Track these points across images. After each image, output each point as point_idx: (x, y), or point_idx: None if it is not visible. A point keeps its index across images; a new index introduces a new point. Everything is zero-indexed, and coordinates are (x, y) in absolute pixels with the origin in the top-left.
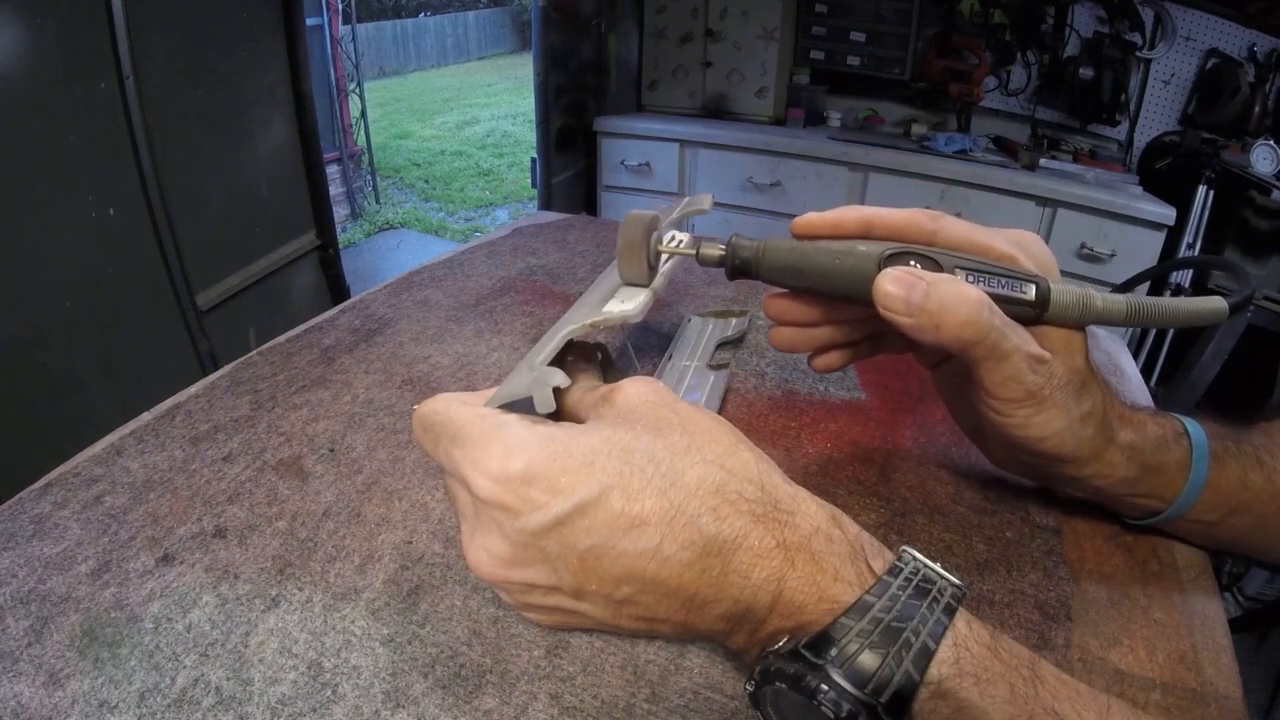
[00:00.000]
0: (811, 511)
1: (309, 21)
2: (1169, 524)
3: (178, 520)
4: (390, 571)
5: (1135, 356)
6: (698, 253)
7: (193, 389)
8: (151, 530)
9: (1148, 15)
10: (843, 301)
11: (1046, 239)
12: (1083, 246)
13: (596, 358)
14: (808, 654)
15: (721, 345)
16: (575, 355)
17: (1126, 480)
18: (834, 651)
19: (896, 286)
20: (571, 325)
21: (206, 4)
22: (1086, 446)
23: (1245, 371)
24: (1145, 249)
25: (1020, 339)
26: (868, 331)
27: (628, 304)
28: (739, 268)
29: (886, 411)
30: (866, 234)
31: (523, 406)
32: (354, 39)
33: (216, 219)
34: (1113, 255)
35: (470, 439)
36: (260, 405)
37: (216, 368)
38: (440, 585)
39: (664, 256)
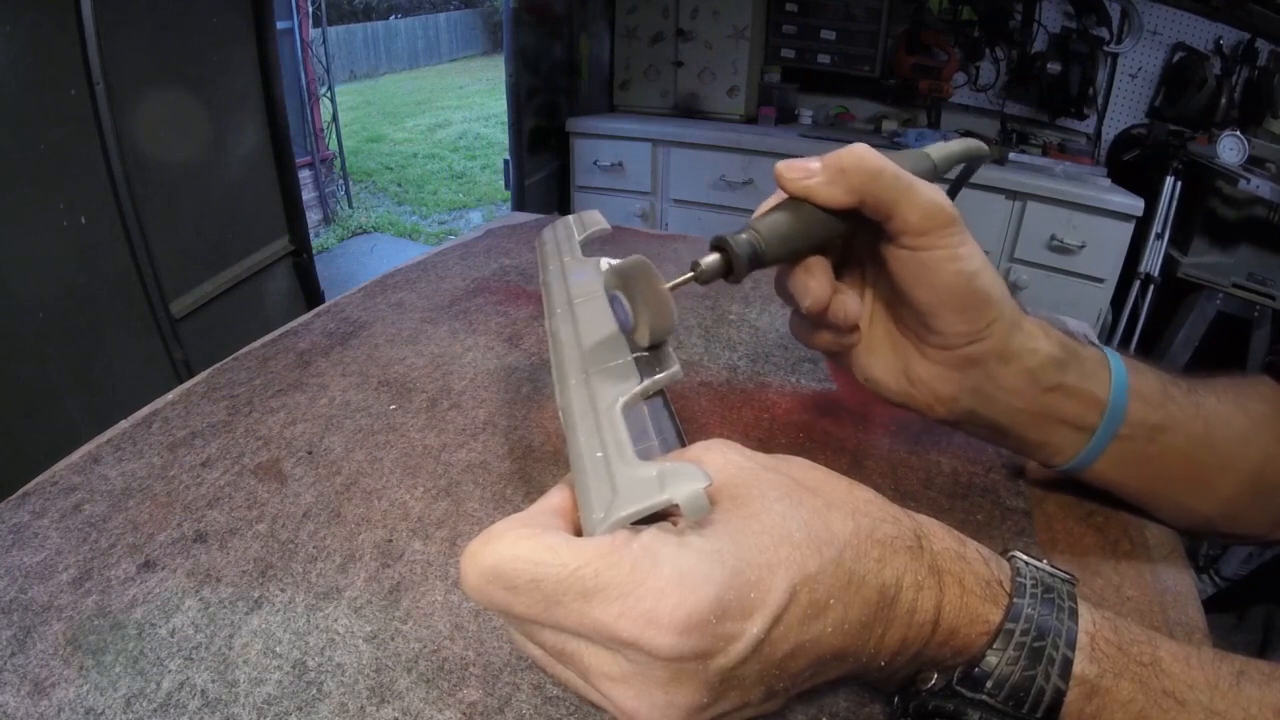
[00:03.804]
0: (938, 533)
1: (279, 25)
2: (1115, 447)
3: (158, 526)
4: (371, 570)
5: (1107, 343)
6: (698, 274)
7: (169, 396)
8: (132, 537)
9: (1114, 10)
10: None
11: (1016, 232)
12: (1052, 238)
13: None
14: (964, 690)
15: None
16: None
17: (1056, 361)
18: (990, 684)
19: (818, 161)
20: (622, 398)
21: (177, 9)
22: (1008, 301)
23: (1216, 359)
24: (1114, 240)
25: (920, 180)
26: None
27: (671, 364)
28: (754, 260)
29: (857, 401)
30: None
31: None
32: (324, 42)
33: (189, 226)
34: (1082, 247)
35: (619, 588)
36: (237, 410)
37: (191, 375)
38: (421, 582)
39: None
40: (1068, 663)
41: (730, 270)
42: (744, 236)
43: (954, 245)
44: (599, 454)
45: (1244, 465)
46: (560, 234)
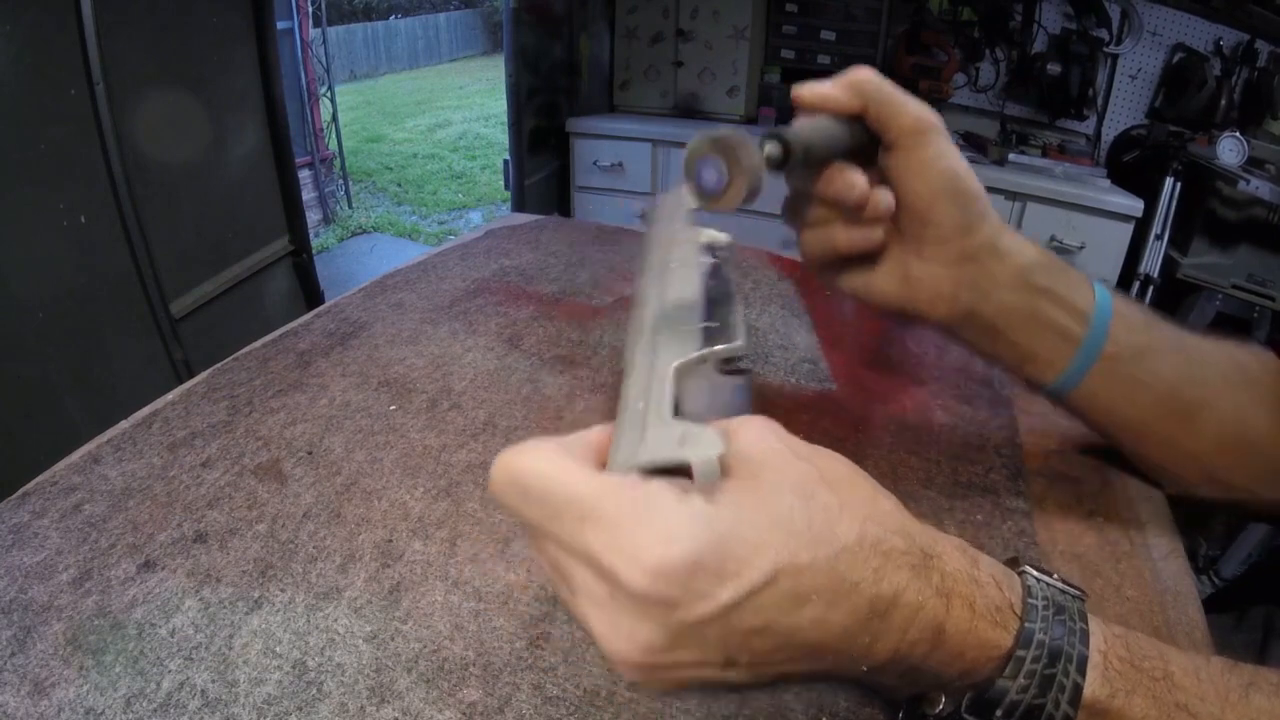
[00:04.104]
0: (951, 553)
1: (279, 25)
2: (1102, 366)
3: (158, 526)
4: (371, 570)
5: None
6: (767, 157)
7: (169, 396)
8: (132, 537)
9: (1114, 11)
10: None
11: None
12: (1052, 239)
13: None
14: (973, 718)
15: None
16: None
17: (1043, 265)
18: (999, 712)
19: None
20: (677, 360)
21: (177, 9)
22: (992, 208)
23: None
24: (1114, 240)
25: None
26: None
27: (736, 338)
28: (806, 152)
29: (857, 401)
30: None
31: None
32: (324, 42)
33: (189, 226)
34: (1082, 247)
35: (612, 520)
36: (238, 410)
37: (191, 375)
38: (421, 582)
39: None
40: (1078, 689)
41: (786, 160)
42: (788, 133)
43: (942, 145)
44: (640, 405)
45: (1228, 405)
46: (674, 201)
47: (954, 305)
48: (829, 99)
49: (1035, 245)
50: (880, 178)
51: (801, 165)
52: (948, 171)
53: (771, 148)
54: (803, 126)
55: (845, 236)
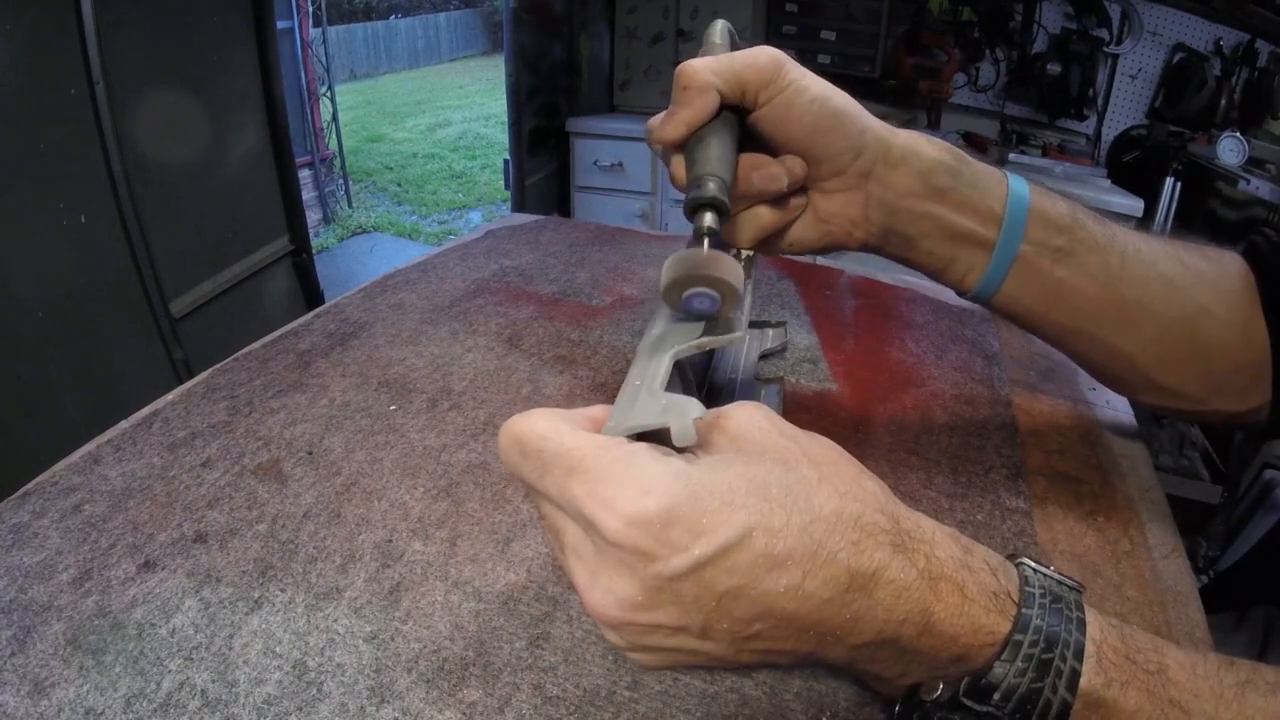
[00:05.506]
0: (941, 540)
1: (279, 25)
2: (1019, 269)
3: (158, 527)
4: (371, 570)
5: None
6: (712, 237)
7: (169, 396)
8: (132, 537)
9: (1114, 11)
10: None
11: None
12: None
13: (688, 375)
14: (971, 702)
15: (763, 358)
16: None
17: (945, 166)
18: (997, 696)
19: (671, 107)
20: (678, 345)
21: (177, 9)
22: (872, 117)
23: None
24: None
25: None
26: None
27: (735, 329)
28: (727, 192)
29: (857, 402)
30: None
31: (647, 437)
32: (324, 42)
33: (189, 225)
34: None
35: (595, 473)
36: (238, 411)
37: (191, 375)
38: (421, 582)
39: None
40: (1075, 675)
41: (724, 215)
42: (710, 184)
43: (794, 80)
44: (637, 383)
45: (1171, 311)
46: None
47: (869, 228)
48: (694, 116)
49: (935, 143)
50: (759, 139)
51: (727, 193)
52: (814, 102)
53: (712, 220)
54: (705, 160)
55: (774, 215)
